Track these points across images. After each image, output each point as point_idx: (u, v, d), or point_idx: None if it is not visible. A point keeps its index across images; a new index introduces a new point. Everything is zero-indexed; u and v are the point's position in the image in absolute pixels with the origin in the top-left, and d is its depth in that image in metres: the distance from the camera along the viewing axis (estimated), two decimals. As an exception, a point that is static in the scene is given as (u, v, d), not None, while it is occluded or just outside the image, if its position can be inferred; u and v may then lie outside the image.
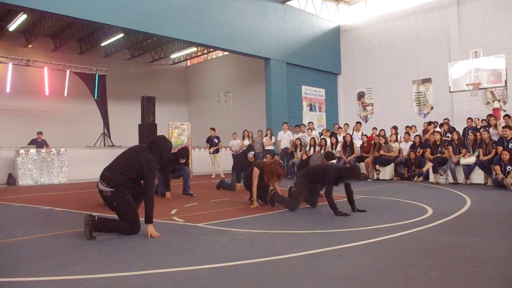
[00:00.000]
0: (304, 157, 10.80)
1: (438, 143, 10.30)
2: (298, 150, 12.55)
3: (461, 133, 10.80)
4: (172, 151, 9.56)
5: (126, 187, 4.38)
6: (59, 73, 16.48)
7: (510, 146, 8.90)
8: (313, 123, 14.09)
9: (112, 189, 4.33)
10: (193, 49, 21.82)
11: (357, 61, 18.04)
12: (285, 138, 13.38)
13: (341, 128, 13.26)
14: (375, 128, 12.55)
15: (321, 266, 3.18)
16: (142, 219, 4.30)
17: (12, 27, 15.85)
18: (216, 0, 13.95)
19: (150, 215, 4.25)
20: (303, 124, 13.99)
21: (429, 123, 12.30)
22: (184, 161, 8.09)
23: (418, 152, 10.95)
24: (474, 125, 11.47)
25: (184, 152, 8.10)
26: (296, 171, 9.66)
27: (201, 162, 14.71)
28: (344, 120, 16.91)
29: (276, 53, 15.76)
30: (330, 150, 11.26)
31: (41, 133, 13.24)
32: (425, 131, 12.03)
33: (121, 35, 17.75)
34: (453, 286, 2.73)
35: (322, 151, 11.33)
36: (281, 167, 6.48)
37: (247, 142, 13.06)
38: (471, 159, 9.47)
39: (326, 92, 18.22)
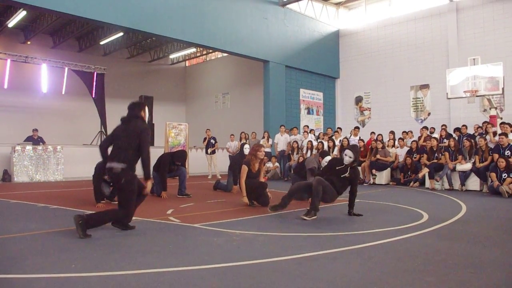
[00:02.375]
0: (301, 160, 10.81)
1: (434, 149, 10.34)
2: (295, 153, 12.56)
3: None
4: (170, 152, 9.60)
5: (133, 167, 4.44)
6: (58, 70, 16.41)
7: (506, 154, 8.94)
8: (308, 127, 14.11)
9: (123, 165, 4.33)
10: (192, 49, 21.83)
11: (356, 65, 18.10)
12: (282, 140, 13.39)
13: (337, 131, 13.29)
14: (373, 133, 12.58)
15: (317, 269, 3.18)
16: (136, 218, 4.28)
17: (11, 23, 15.80)
18: (217, 1, 13.97)
19: (147, 171, 4.45)
20: (295, 127, 14.01)
21: (424, 128, 12.39)
22: (180, 163, 8.09)
23: (415, 157, 10.99)
24: (468, 133, 11.54)
25: (181, 154, 8.11)
26: (292, 174, 9.68)
27: (197, 163, 14.69)
28: (342, 124, 16.96)
29: (275, 55, 15.79)
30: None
31: (36, 130, 13.18)
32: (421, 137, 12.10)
33: (121, 34, 17.73)
34: (448, 291, 2.74)
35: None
36: (258, 145, 6.78)
37: (244, 144, 13.06)
38: (467, 166, 9.50)
39: (324, 95, 18.27)
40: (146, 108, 4.74)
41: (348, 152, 5.58)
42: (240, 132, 13.57)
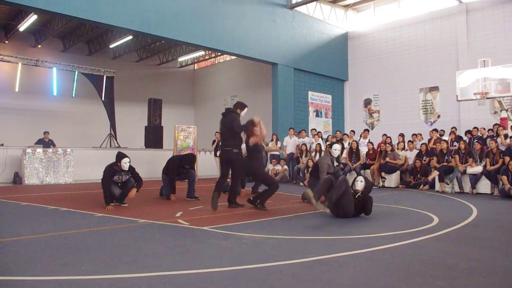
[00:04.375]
0: (310, 162, 10.84)
1: (444, 152, 10.25)
2: (303, 156, 12.54)
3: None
4: (179, 155, 9.63)
5: (240, 147, 6.53)
6: (68, 73, 16.58)
7: (517, 156, 8.84)
8: (315, 130, 14.06)
9: (236, 149, 6.39)
10: (201, 52, 21.90)
11: (364, 68, 18.02)
12: (291, 143, 13.38)
13: (346, 134, 13.25)
14: (385, 135, 12.43)
15: (326, 273, 3.17)
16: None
17: (22, 27, 15.99)
18: (225, 4, 14.02)
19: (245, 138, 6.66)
20: (304, 130, 13.97)
21: (434, 130, 12.29)
22: (189, 166, 8.11)
23: (424, 160, 10.91)
24: (480, 135, 11.42)
25: (190, 158, 8.11)
26: (311, 178, 9.50)
27: (206, 165, 14.72)
28: (351, 127, 16.88)
29: (283, 58, 15.79)
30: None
31: (48, 133, 13.33)
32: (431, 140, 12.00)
33: (130, 37, 17.84)
34: (459, 296, 2.71)
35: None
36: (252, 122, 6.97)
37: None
38: (478, 169, 9.40)
39: (333, 98, 18.21)
40: (245, 109, 6.80)
41: (360, 177, 6.14)
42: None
